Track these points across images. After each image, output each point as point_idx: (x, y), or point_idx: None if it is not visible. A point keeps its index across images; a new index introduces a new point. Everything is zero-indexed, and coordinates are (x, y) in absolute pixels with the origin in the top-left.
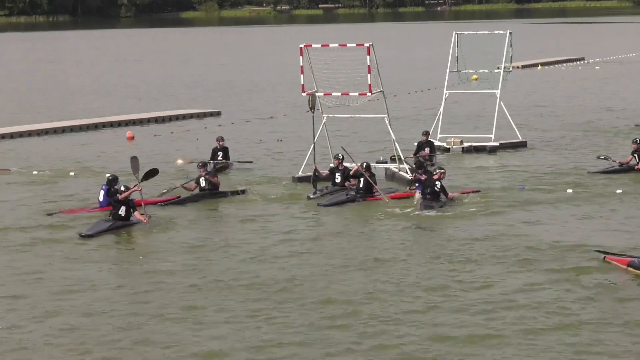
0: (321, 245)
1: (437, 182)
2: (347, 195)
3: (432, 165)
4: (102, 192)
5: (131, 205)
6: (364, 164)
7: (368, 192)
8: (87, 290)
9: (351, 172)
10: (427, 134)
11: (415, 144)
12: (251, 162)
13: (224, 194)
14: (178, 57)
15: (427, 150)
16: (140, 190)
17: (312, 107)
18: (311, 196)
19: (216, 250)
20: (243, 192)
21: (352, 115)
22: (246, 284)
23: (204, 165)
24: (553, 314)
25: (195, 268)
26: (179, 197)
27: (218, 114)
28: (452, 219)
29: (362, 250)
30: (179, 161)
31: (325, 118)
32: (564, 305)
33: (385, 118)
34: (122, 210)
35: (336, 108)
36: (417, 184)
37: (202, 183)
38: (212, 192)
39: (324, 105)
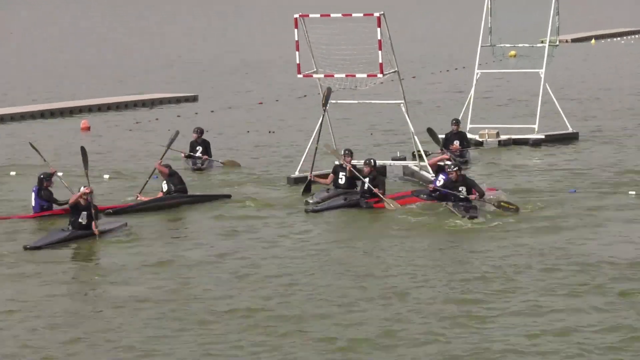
0: (322, 265)
1: (461, 188)
2: (345, 198)
3: (466, 162)
4: (33, 195)
5: (94, 211)
6: (371, 161)
7: (374, 195)
8: (27, 316)
9: (346, 173)
10: (457, 123)
11: (442, 136)
12: (238, 164)
13: (203, 199)
14: (147, 30)
15: (457, 143)
16: (91, 192)
17: (325, 104)
18: (310, 201)
19: (192, 268)
20: (228, 197)
21: (360, 102)
22: (227, 310)
23: (167, 165)
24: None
25: (165, 290)
26: (142, 201)
27: (194, 99)
28: (485, 230)
29: (374, 271)
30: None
31: (327, 105)
32: (627, 343)
33: (402, 104)
34: (82, 217)
35: (340, 93)
36: (441, 188)
37: (165, 187)
38: (184, 197)
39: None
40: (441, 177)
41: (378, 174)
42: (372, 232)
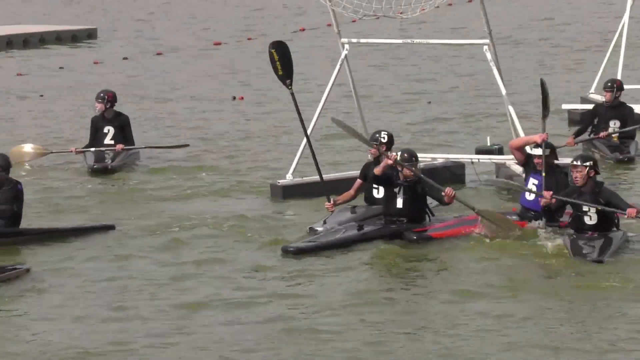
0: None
1: (587, 207)
2: (360, 226)
3: (631, 160)
4: None
5: None
6: (404, 154)
7: (416, 219)
8: None
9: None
10: (614, 87)
11: (574, 108)
12: (186, 145)
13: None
14: None
15: (615, 124)
16: None
17: (286, 75)
18: (318, 228)
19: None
20: (111, 228)
21: (408, 42)
22: None
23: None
24: None
25: None
26: None
27: (90, 34)
28: (621, 285)
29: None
30: (26, 149)
31: (346, 48)
32: None
33: (486, 47)
34: None
35: (370, 25)
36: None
37: None
38: (7, 233)
39: (341, 20)
40: (532, 183)
41: (418, 186)
42: (414, 289)
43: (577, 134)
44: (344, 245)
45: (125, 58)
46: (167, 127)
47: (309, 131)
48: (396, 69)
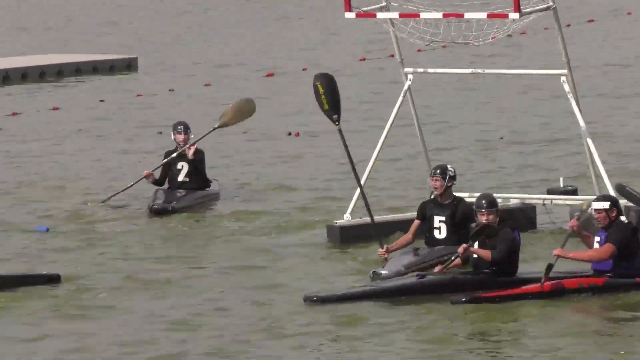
0: None
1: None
2: (418, 276)
3: None
4: None
5: None
6: (481, 200)
7: (504, 269)
8: None
9: (473, 231)
10: None
11: None
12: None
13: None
14: None
15: None
16: None
17: (333, 111)
18: (382, 272)
19: None
20: (56, 279)
21: (476, 71)
22: None
23: None
24: None
25: None
26: None
27: (130, 66)
28: None
29: None
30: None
31: (409, 79)
32: None
33: (564, 79)
34: None
35: (438, 54)
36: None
37: None
38: None
39: (404, 47)
40: (596, 242)
41: (504, 228)
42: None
43: None
44: (405, 292)
45: (171, 90)
46: (224, 163)
47: (368, 168)
48: (465, 101)
